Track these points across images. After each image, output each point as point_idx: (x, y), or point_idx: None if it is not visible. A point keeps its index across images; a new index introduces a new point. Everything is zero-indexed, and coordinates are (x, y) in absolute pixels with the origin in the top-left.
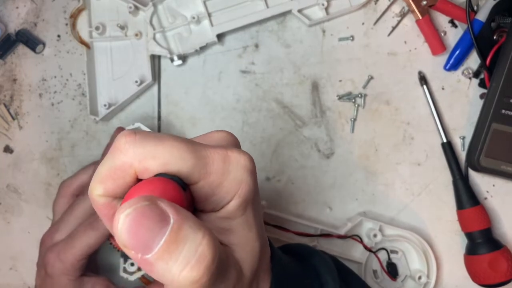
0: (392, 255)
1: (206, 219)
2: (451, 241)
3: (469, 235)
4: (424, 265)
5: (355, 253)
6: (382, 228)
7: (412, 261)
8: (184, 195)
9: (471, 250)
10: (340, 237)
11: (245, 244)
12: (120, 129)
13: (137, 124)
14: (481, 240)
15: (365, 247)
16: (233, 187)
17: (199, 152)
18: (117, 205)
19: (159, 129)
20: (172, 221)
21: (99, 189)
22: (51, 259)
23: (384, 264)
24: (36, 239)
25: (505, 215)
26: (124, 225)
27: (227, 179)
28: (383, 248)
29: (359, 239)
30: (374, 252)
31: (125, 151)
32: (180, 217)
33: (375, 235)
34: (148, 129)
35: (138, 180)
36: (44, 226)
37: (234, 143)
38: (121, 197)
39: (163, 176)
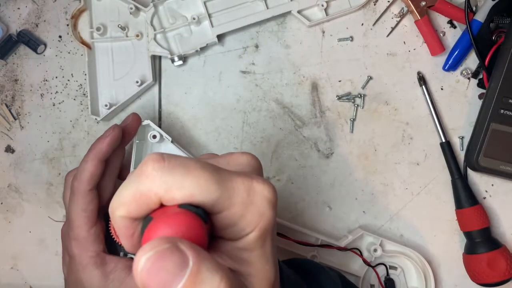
0: (390, 271)
1: (224, 247)
2: (450, 241)
3: (468, 235)
4: (423, 284)
5: (354, 266)
6: (383, 243)
7: (410, 278)
8: (206, 228)
9: (470, 250)
10: (340, 249)
11: (261, 276)
12: (135, 115)
13: (146, 122)
14: (480, 240)
15: (364, 261)
16: (254, 219)
17: (225, 183)
18: (138, 226)
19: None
20: (191, 263)
21: (121, 211)
22: (66, 241)
23: (382, 279)
24: (37, 238)
25: (504, 214)
26: (145, 267)
27: (249, 211)
28: (382, 263)
29: (358, 253)
30: (373, 267)
31: (152, 179)
32: (199, 260)
33: (375, 250)
34: (156, 127)
35: (161, 205)
36: (45, 226)
37: (258, 169)
38: (142, 218)
39: (187, 208)
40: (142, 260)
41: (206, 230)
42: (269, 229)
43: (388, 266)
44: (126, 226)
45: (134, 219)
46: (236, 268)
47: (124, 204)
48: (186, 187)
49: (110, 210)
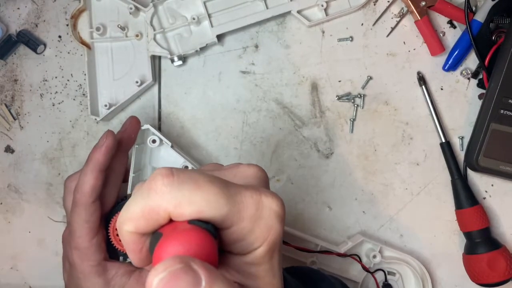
0: (389, 277)
1: (232, 261)
2: (450, 241)
3: (468, 235)
4: None
5: (353, 271)
6: (382, 249)
7: (408, 284)
8: (216, 244)
9: (470, 250)
10: (340, 255)
11: None
12: (133, 118)
13: (146, 126)
14: (480, 240)
15: (363, 267)
16: (263, 233)
17: (234, 198)
18: (146, 240)
19: (159, 129)
20: (203, 283)
21: (129, 226)
22: (67, 249)
23: (381, 285)
24: (36, 238)
25: (503, 214)
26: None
27: (258, 225)
28: (380, 269)
29: (358, 259)
30: (372, 273)
31: (162, 194)
32: (211, 279)
33: (374, 256)
34: (156, 131)
35: (170, 220)
36: (45, 226)
37: (265, 181)
38: (150, 233)
39: (197, 224)
40: (155, 281)
41: (216, 246)
42: (277, 243)
43: (386, 272)
44: (134, 241)
45: (142, 234)
46: (243, 282)
47: (133, 219)
48: (195, 202)
49: (118, 224)
